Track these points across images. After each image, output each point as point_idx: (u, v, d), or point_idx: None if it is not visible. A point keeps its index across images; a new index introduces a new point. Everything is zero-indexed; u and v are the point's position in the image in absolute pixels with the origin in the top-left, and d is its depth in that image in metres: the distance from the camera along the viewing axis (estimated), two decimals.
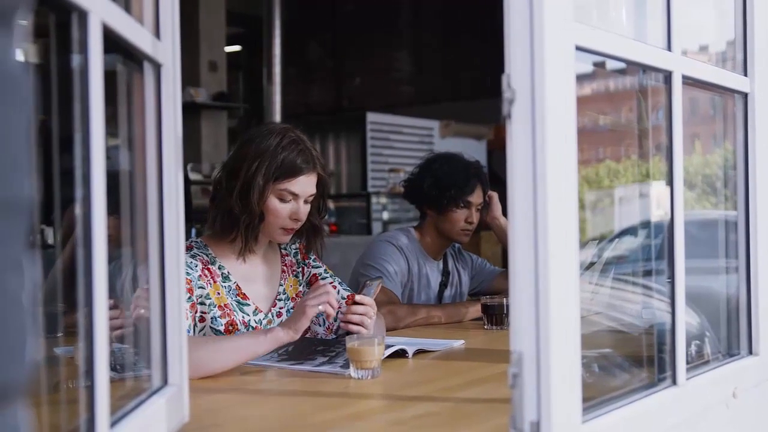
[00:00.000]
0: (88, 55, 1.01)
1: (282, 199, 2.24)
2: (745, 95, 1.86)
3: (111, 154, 1.09)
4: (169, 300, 1.39)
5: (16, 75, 0.49)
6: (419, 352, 2.22)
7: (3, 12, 0.48)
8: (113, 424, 1.10)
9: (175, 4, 1.41)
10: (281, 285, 2.39)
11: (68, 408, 1.23)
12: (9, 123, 0.48)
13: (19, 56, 0.51)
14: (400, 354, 2.15)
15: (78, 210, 1.02)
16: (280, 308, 2.36)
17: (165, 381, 1.39)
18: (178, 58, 1.42)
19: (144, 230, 1.38)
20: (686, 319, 1.60)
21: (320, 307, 2.00)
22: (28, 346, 0.52)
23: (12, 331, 0.50)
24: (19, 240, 0.51)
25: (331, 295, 2.03)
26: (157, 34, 1.37)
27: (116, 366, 1.35)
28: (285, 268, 2.43)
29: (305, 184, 2.26)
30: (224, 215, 2.25)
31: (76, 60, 1.02)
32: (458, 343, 2.40)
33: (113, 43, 1.12)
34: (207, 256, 2.26)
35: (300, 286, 2.44)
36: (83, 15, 1.01)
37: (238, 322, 2.23)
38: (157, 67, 1.36)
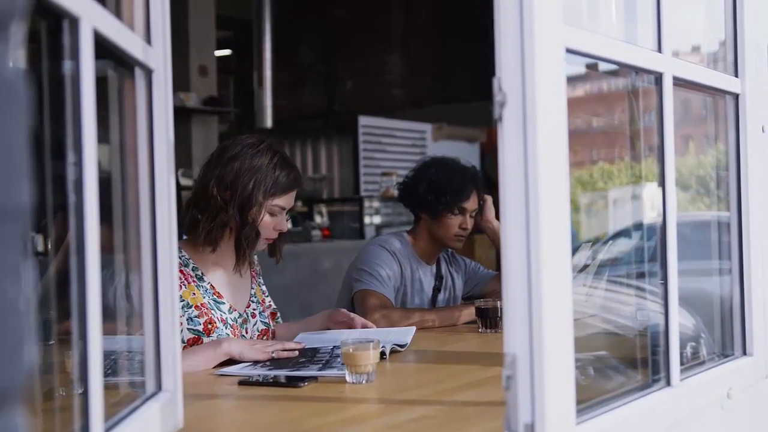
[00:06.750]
0: (79, 61, 1.01)
1: (272, 214, 2.35)
2: (736, 96, 1.86)
3: (102, 160, 1.09)
4: (162, 306, 1.39)
5: (13, 82, 0.49)
6: (394, 352, 2.25)
7: None
8: (107, 430, 1.09)
9: (166, 9, 1.41)
10: (252, 288, 2.51)
11: (60, 415, 1.23)
12: (7, 130, 0.48)
13: (16, 63, 0.51)
14: (394, 351, 2.19)
15: (71, 216, 1.01)
16: (254, 309, 2.48)
17: (159, 387, 1.39)
18: (169, 63, 1.42)
19: (136, 237, 1.37)
20: (681, 321, 1.60)
21: (274, 354, 2.16)
22: (26, 351, 0.52)
23: (10, 337, 0.50)
24: (16, 246, 0.51)
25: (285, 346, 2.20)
26: (148, 39, 1.36)
27: (107, 371, 1.34)
28: (254, 274, 2.54)
29: (293, 199, 2.40)
30: (218, 228, 2.31)
31: (67, 66, 1.02)
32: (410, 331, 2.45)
33: (104, 48, 1.12)
34: (180, 258, 2.30)
35: (263, 294, 2.57)
36: (74, 21, 1.01)
37: (216, 319, 2.30)
38: (148, 72, 1.36)
